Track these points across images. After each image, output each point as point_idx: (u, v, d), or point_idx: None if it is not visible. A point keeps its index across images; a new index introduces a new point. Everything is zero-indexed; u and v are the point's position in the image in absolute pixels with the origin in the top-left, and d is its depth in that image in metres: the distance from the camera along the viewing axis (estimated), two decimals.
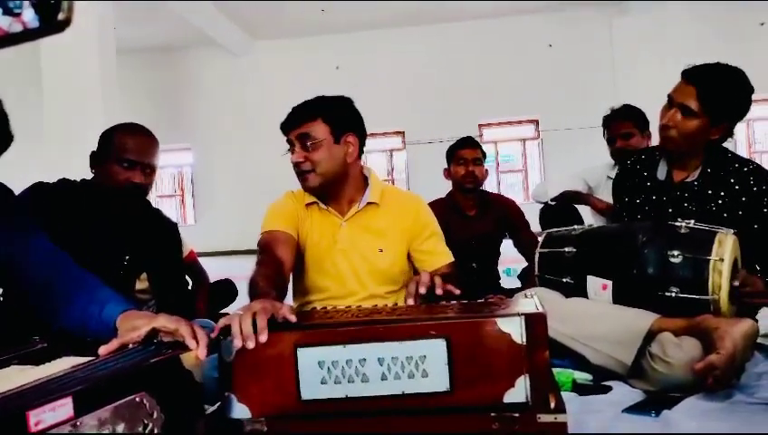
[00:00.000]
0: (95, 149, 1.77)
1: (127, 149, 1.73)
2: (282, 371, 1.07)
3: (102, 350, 0.95)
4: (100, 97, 5.68)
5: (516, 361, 1.04)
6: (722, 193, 1.76)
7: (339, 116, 1.67)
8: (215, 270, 2.76)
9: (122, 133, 1.77)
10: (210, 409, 1.15)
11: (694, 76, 1.75)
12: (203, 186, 11.42)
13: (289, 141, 1.67)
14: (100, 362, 0.90)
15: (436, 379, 1.05)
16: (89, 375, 0.82)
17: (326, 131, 1.63)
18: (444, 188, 3.10)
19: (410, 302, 1.38)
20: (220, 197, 11.21)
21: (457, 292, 1.38)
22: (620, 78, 9.55)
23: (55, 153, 5.31)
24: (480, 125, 10.63)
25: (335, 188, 1.69)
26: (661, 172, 1.88)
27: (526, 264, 2.95)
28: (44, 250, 1.29)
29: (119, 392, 0.80)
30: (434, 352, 1.05)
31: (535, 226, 2.99)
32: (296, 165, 1.64)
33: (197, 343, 1.00)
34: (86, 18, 5.65)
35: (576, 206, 3.01)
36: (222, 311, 2.70)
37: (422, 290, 1.37)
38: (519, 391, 1.03)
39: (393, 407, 1.06)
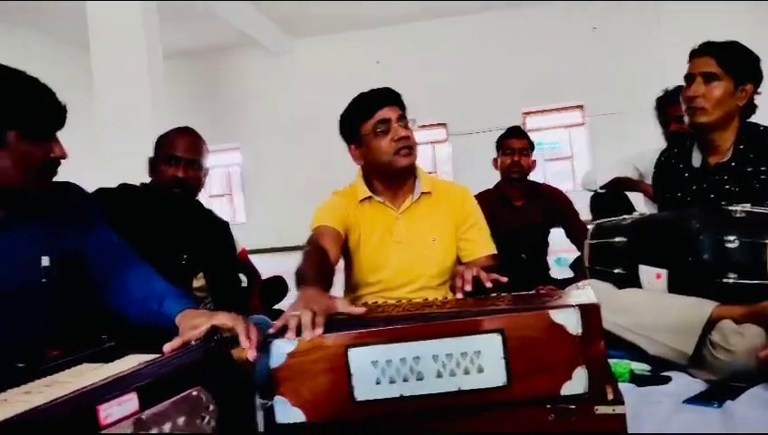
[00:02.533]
0: (152, 156, 1.86)
1: (172, 147, 1.83)
2: (334, 373, 1.06)
3: (167, 347, 0.98)
4: (149, 100, 5.84)
5: (572, 353, 1.02)
6: (762, 168, 1.69)
7: (405, 107, 1.74)
8: (264, 267, 2.82)
9: (170, 135, 1.89)
10: (269, 403, 1.17)
11: (705, 48, 1.78)
12: (252, 184, 11.64)
13: (381, 122, 1.67)
14: (163, 359, 0.94)
15: (493, 374, 1.04)
16: (151, 372, 0.86)
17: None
18: (489, 179, 3.07)
19: (458, 296, 1.38)
20: (268, 194, 11.40)
21: (504, 279, 1.38)
22: (669, 58, 9.22)
23: (108, 156, 5.51)
24: (524, 113, 10.47)
25: (410, 173, 1.74)
26: (696, 159, 1.83)
27: (577, 253, 2.90)
28: (109, 244, 1.37)
29: (178, 387, 0.84)
30: (489, 347, 1.04)
31: (586, 214, 2.94)
32: (401, 140, 1.66)
33: (250, 342, 1.03)
34: (133, 23, 5.84)
35: (627, 193, 2.94)
36: (274, 307, 2.77)
37: (467, 288, 1.37)
38: (576, 384, 1.02)
39: (450, 404, 1.05)
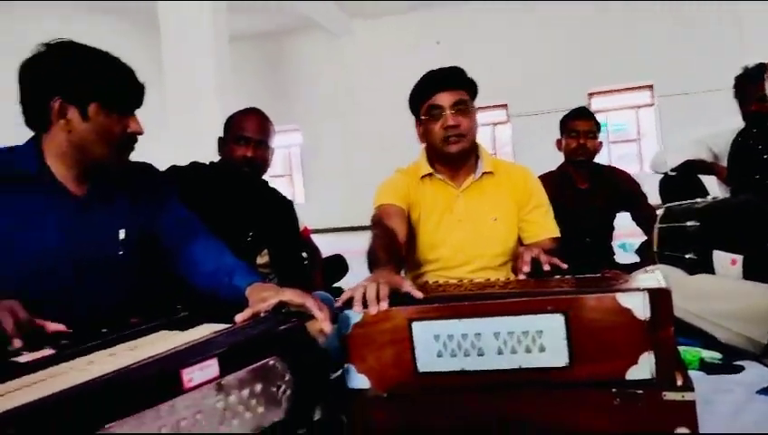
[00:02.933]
0: (221, 136, 1.93)
1: (241, 128, 1.89)
2: (398, 344, 1.10)
3: (238, 318, 1.03)
4: (215, 82, 6.02)
5: (639, 337, 1.00)
6: None
7: (474, 87, 1.72)
8: (323, 246, 2.87)
9: (239, 116, 1.94)
10: (333, 375, 1.21)
11: None
12: (311, 165, 11.83)
13: (432, 108, 1.67)
14: (237, 328, 0.98)
15: (555, 354, 1.04)
16: (229, 340, 0.90)
17: (469, 100, 1.69)
18: (551, 161, 2.99)
19: (520, 277, 1.37)
20: (328, 175, 11.56)
21: (564, 266, 1.36)
22: (748, 34, 8.68)
23: (176, 135, 5.72)
24: (589, 94, 10.15)
25: (464, 157, 1.72)
26: None
27: (642, 238, 2.80)
28: (180, 219, 1.43)
29: (255, 356, 0.87)
30: (551, 327, 1.04)
31: (653, 198, 2.83)
32: (448, 129, 1.65)
33: (323, 315, 1.06)
34: (202, 7, 6.01)
35: (700, 176, 2.81)
36: (334, 285, 2.82)
37: (525, 269, 1.35)
38: (643, 368, 1.00)
39: (510, 381, 1.06)
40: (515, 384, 1.06)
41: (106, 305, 1.29)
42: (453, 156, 1.69)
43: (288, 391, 0.92)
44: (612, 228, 2.93)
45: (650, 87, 10.07)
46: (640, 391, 1.00)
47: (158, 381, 0.73)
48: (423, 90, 1.71)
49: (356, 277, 2.66)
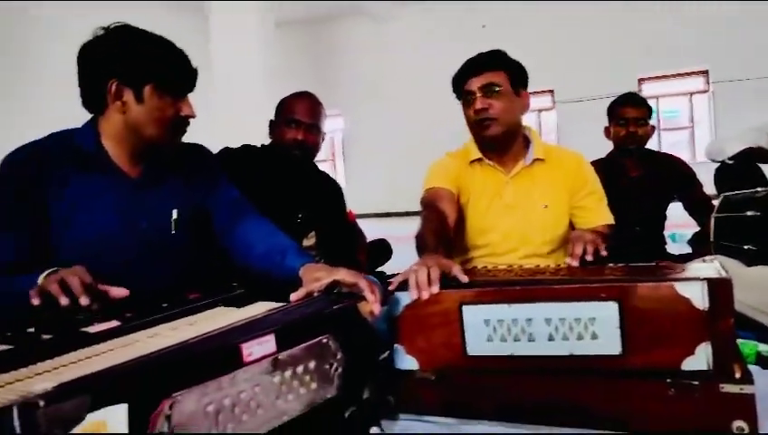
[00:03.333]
0: (272, 119, 1.96)
1: (293, 111, 1.91)
2: (448, 327, 1.11)
3: (293, 297, 1.06)
4: (261, 68, 6.10)
5: (696, 327, 0.98)
6: None
7: (516, 70, 1.69)
8: (364, 231, 2.89)
9: (290, 99, 1.96)
10: (381, 356, 1.23)
11: None
12: (353, 150, 11.88)
13: (465, 93, 1.68)
14: (292, 306, 1.01)
15: (607, 342, 1.03)
16: (285, 317, 0.92)
17: (507, 83, 1.66)
18: (597, 149, 2.91)
19: (573, 264, 1.35)
20: (369, 160, 11.58)
21: (604, 253, 1.33)
22: None
23: (224, 118, 5.83)
24: (640, 79, 9.84)
25: (506, 142, 1.70)
26: None
27: (694, 229, 2.72)
28: (231, 199, 1.47)
29: (309, 333, 0.90)
30: (604, 315, 1.03)
31: (708, 187, 2.73)
32: (478, 113, 1.64)
33: (374, 297, 1.07)
34: None
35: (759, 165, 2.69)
36: (378, 269, 2.84)
37: (574, 259, 1.33)
38: (699, 359, 0.98)
39: (560, 367, 1.06)
40: (566, 371, 1.06)
41: (160, 282, 1.33)
42: (486, 140, 1.67)
43: (339, 369, 0.94)
44: (664, 218, 2.84)
45: (705, 73, 9.70)
46: (696, 383, 0.98)
47: (220, 355, 0.75)
48: (459, 77, 1.71)
49: (399, 262, 2.68)
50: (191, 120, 1.37)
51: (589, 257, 1.33)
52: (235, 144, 2.04)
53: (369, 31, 11.30)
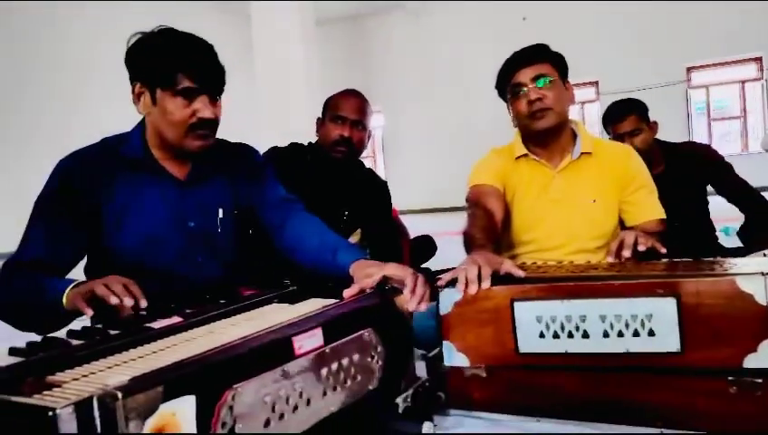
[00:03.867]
0: (319, 116, 1.99)
1: (339, 108, 1.93)
2: (499, 323, 1.10)
3: (346, 293, 1.08)
4: (302, 66, 6.17)
5: (759, 323, 0.95)
6: None
7: (562, 62, 1.69)
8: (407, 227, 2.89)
9: (337, 96, 1.99)
10: (431, 353, 1.24)
11: None
12: (393, 146, 11.91)
13: (515, 86, 1.66)
14: (342, 303, 1.03)
15: (665, 339, 1.01)
16: (332, 312, 0.95)
17: (556, 74, 1.65)
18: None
19: (610, 259, 1.33)
20: (409, 156, 11.59)
21: (663, 250, 1.30)
22: None
23: (266, 116, 5.93)
24: (688, 68, 9.54)
25: (557, 134, 1.68)
26: None
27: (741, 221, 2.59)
28: (279, 197, 1.50)
29: (353, 327, 0.93)
30: (662, 311, 1.00)
31: (763, 178, 2.62)
32: (531, 103, 1.62)
33: (414, 295, 1.09)
34: None
35: None
36: (422, 265, 2.85)
37: (626, 254, 1.30)
38: (762, 356, 0.95)
39: (616, 364, 1.04)
40: (621, 368, 1.04)
41: (207, 279, 1.38)
42: (541, 132, 1.65)
43: (380, 362, 0.97)
44: (705, 211, 2.71)
45: (758, 60, 9.34)
46: (759, 381, 0.95)
47: (274, 348, 0.78)
48: (504, 71, 1.70)
49: (441, 258, 2.67)
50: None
51: (626, 253, 1.29)
52: (278, 142, 2.07)
53: (408, 26, 11.30)
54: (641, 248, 1.29)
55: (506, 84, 1.70)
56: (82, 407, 0.57)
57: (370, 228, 2.06)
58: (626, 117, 2.50)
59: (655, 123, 2.56)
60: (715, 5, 9.14)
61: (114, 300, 1.01)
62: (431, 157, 11.18)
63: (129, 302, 1.02)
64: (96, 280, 1.08)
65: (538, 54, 1.67)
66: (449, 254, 2.95)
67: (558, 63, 1.67)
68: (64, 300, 1.09)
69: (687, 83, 9.52)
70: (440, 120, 11.14)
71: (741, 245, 2.55)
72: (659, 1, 9.45)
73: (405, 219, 2.91)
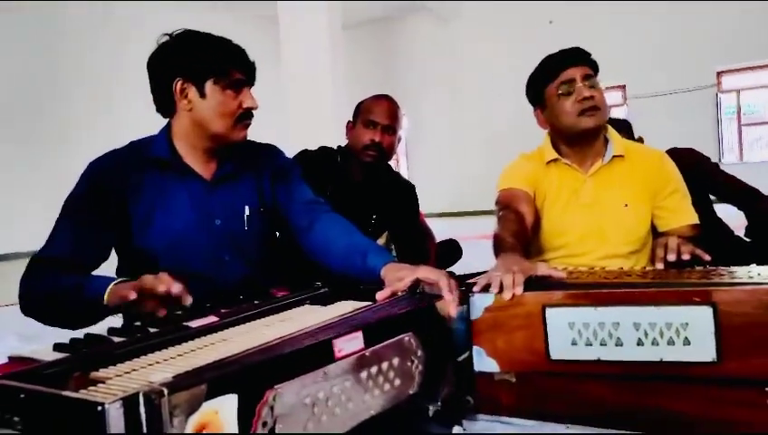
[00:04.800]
0: (350, 120, 2.00)
1: (371, 112, 1.95)
2: (530, 329, 1.10)
3: (379, 296, 1.08)
4: (329, 69, 6.21)
5: None
6: None
7: (596, 66, 1.68)
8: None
9: (369, 101, 2.01)
10: (460, 357, 1.23)
11: None
12: (416, 150, 11.91)
13: (563, 82, 1.64)
14: (377, 305, 1.03)
15: (700, 348, 0.99)
16: (371, 315, 0.95)
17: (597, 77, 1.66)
18: (669, 145, 2.77)
19: (659, 266, 1.31)
20: (432, 160, 11.58)
21: (707, 257, 1.28)
22: None
23: (294, 122, 5.98)
24: (718, 72, 9.37)
25: (595, 136, 1.67)
26: None
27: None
28: (307, 199, 1.51)
29: (393, 331, 0.93)
30: (698, 320, 0.99)
31: None
32: (583, 101, 1.60)
33: (452, 296, 1.08)
34: None
35: None
36: (447, 269, 2.84)
37: (671, 258, 1.29)
38: None
39: (650, 373, 1.03)
40: (655, 377, 1.03)
41: (235, 277, 1.41)
42: (589, 131, 1.63)
43: (420, 367, 0.97)
44: (711, 214, 2.61)
45: None
46: None
47: (315, 350, 0.78)
48: (549, 69, 1.68)
49: (464, 261, 2.66)
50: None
51: (671, 257, 1.28)
52: (304, 144, 2.09)
53: (434, 29, 11.30)
54: (685, 257, 1.27)
55: (548, 83, 1.67)
56: (129, 402, 0.59)
57: (398, 232, 2.07)
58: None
59: (641, 139, 2.51)
60: (746, 7, 8.96)
61: (162, 288, 1.03)
62: (454, 160, 11.15)
63: (176, 289, 1.04)
64: (148, 275, 1.10)
65: (584, 56, 1.66)
66: (470, 257, 2.95)
67: (596, 69, 1.67)
68: (106, 296, 1.12)
69: (718, 87, 9.35)
70: (464, 123, 11.12)
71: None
72: (688, 3, 9.30)
73: (427, 222, 2.91)
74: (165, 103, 1.39)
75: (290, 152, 1.96)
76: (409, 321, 0.97)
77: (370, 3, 10.58)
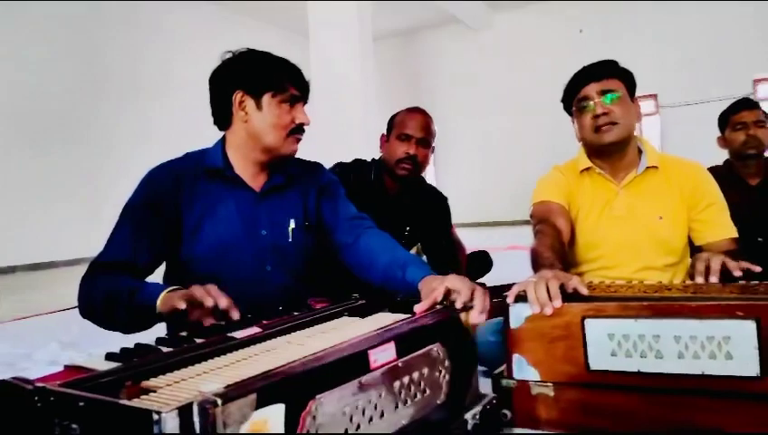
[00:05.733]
0: (384, 132, 2.03)
1: (405, 125, 1.97)
2: (570, 340, 1.10)
3: (417, 308, 1.09)
4: (360, 82, 6.27)
5: None
6: None
7: (630, 78, 1.68)
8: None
9: (403, 114, 2.03)
10: (498, 369, 1.23)
11: None
12: (445, 160, 11.89)
13: (581, 100, 1.66)
14: (414, 318, 1.04)
15: (743, 362, 0.98)
16: (403, 327, 0.97)
17: (624, 89, 1.65)
18: (702, 155, 2.71)
19: (699, 280, 1.29)
20: (461, 170, 11.55)
21: (758, 269, 1.26)
22: None
23: (326, 134, 6.04)
24: (755, 80, 9.16)
25: (622, 149, 1.66)
26: None
27: None
28: (351, 215, 1.55)
29: (423, 342, 0.95)
30: (740, 334, 0.98)
31: None
32: (597, 117, 1.61)
33: (475, 306, 1.10)
34: (348, 9, 6.30)
35: None
36: (478, 281, 2.83)
37: (713, 280, 1.27)
38: None
39: (691, 386, 1.02)
40: (696, 391, 1.02)
41: (277, 287, 1.44)
42: (606, 146, 1.63)
43: (447, 377, 0.98)
44: None
45: None
46: None
47: (351, 360, 0.81)
48: (572, 85, 1.70)
49: (492, 272, 2.65)
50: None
51: (713, 279, 1.26)
52: (334, 155, 2.13)
53: (464, 40, 11.31)
54: (737, 274, 1.24)
55: (572, 99, 1.70)
56: (184, 411, 0.61)
57: (430, 243, 2.08)
58: (755, 109, 2.56)
59: None
60: None
61: (210, 302, 1.06)
62: (480, 170, 11.11)
63: (224, 303, 1.07)
64: (198, 286, 1.13)
65: (606, 70, 1.66)
66: (500, 269, 2.93)
67: (626, 80, 1.66)
68: (159, 302, 1.15)
69: (754, 95, 9.14)
70: (494, 134, 11.08)
71: None
72: (721, 9, 9.14)
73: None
74: (223, 115, 1.45)
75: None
76: (437, 332, 0.99)
77: (400, 15, 10.67)
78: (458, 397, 1.02)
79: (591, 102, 1.63)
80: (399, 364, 0.88)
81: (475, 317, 1.10)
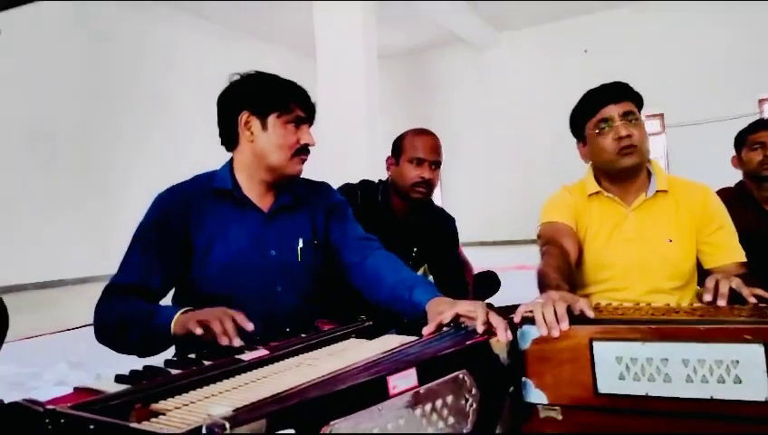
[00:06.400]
0: (389, 154, 2.04)
1: (416, 149, 1.98)
2: (577, 363, 1.09)
3: (425, 331, 1.09)
4: (365, 101, 6.32)
5: None
6: None
7: (641, 101, 1.68)
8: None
9: (413, 137, 2.03)
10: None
11: None
12: (450, 179, 11.91)
13: (601, 121, 1.64)
14: (425, 340, 1.04)
15: (752, 387, 0.97)
16: (423, 352, 0.95)
17: (639, 113, 1.65)
18: (708, 175, 2.71)
19: (707, 297, 1.29)
20: (466, 189, 11.57)
21: (752, 299, 1.25)
22: None
23: (329, 151, 6.07)
24: (761, 100, 9.17)
25: (636, 173, 1.67)
26: None
27: None
28: (358, 235, 1.56)
29: (447, 368, 0.92)
30: (749, 358, 0.98)
31: None
32: (621, 139, 1.60)
33: (496, 326, 1.09)
34: (354, 29, 6.38)
35: None
36: (486, 301, 2.82)
37: (721, 303, 1.26)
38: None
39: (699, 411, 1.01)
40: (705, 415, 1.01)
41: (285, 307, 1.45)
42: (627, 170, 1.63)
43: (474, 405, 0.96)
44: None
45: None
46: None
47: (368, 387, 0.79)
48: (588, 106, 1.68)
49: (504, 294, 2.65)
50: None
51: (722, 303, 1.25)
52: (340, 175, 2.14)
53: (469, 59, 11.40)
54: (752, 300, 1.23)
55: (588, 119, 1.68)
56: None
57: (438, 264, 2.08)
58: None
59: None
60: None
61: (225, 342, 1.07)
62: (488, 189, 11.12)
63: (237, 343, 1.07)
64: (211, 309, 1.14)
65: (625, 92, 1.66)
66: (507, 289, 2.91)
67: (639, 103, 1.66)
68: (173, 324, 1.16)
69: (761, 115, 9.16)
70: (500, 153, 11.11)
71: None
72: (727, 29, 9.18)
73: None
74: (229, 136, 1.48)
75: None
76: (464, 358, 0.96)
77: (405, 34, 10.77)
78: (487, 427, 1.00)
79: (615, 124, 1.62)
80: (421, 391, 0.85)
81: (502, 335, 1.08)
